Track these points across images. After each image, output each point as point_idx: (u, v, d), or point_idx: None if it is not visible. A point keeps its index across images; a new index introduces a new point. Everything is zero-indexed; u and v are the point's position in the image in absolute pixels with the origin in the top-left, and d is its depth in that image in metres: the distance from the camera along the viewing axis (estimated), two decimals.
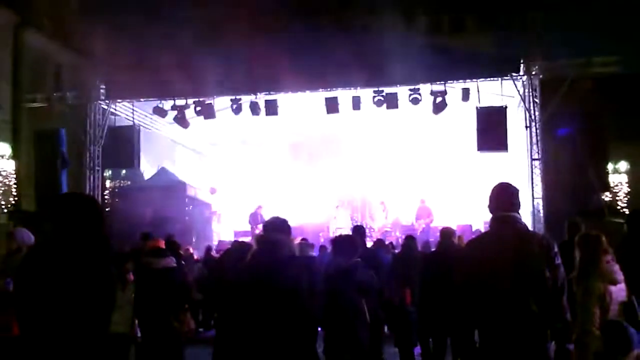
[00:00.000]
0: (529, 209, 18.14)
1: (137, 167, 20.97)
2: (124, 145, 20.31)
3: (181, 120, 20.76)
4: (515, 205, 5.35)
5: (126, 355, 8.81)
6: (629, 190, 23.07)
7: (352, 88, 19.34)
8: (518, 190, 5.57)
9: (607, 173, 18.54)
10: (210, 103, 20.18)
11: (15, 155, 17.17)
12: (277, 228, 6.20)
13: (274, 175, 27.75)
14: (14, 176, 17.65)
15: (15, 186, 17.76)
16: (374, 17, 19.78)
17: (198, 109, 20.20)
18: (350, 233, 10.75)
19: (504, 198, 5.37)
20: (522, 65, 18.51)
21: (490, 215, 5.51)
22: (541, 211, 17.83)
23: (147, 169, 22.18)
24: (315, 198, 27.09)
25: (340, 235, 7.29)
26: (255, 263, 6.25)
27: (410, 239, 11.74)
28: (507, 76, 18.51)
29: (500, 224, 5.29)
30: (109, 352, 4.32)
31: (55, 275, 3.95)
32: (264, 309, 5.80)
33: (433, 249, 10.93)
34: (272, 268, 5.85)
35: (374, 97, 19.25)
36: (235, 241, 12.63)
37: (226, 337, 10.92)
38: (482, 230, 18.97)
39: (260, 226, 22.44)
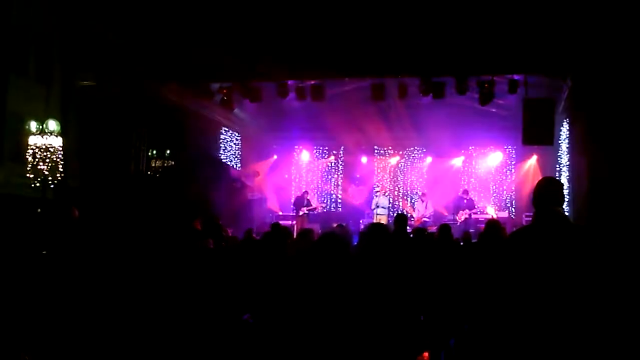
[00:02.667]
0: (573, 206, 18.01)
1: (182, 148, 21.14)
2: (171, 126, 20.50)
3: (227, 103, 20.90)
4: (560, 200, 5.33)
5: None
6: None
7: (398, 75, 19.26)
8: (562, 185, 5.57)
9: None
10: (257, 86, 20.27)
11: (63, 132, 17.37)
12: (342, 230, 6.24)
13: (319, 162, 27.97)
14: (61, 153, 17.84)
15: (62, 162, 17.97)
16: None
17: (244, 91, 20.33)
18: (391, 221, 10.76)
19: (550, 192, 5.35)
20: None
21: (533, 210, 5.49)
22: (584, 209, 17.65)
23: (193, 150, 22.29)
24: (360, 184, 27.29)
25: (373, 224, 7.23)
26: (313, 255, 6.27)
27: (444, 229, 11.63)
28: (555, 71, 18.24)
29: (546, 220, 5.27)
30: None
31: None
32: (306, 300, 5.86)
33: (474, 240, 10.88)
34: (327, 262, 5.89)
35: (421, 85, 19.20)
36: (273, 224, 12.68)
37: (265, 323, 11.09)
38: (523, 223, 18.88)
39: (305, 209, 22.70)
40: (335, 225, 6.49)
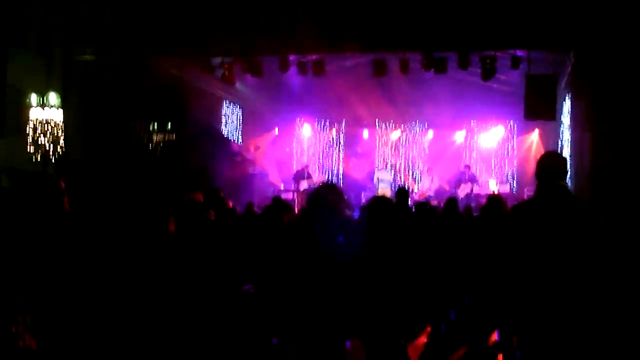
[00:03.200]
0: (575, 183, 17.97)
1: (183, 122, 21.10)
2: (171, 100, 20.46)
3: (228, 77, 20.85)
4: (563, 174, 5.32)
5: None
6: None
7: (400, 51, 19.19)
8: (566, 159, 5.56)
9: None
10: (258, 60, 20.21)
11: (64, 106, 17.33)
12: (330, 190, 6.25)
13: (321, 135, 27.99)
14: (62, 126, 17.81)
15: (63, 136, 17.94)
16: None
17: (245, 66, 20.29)
18: (392, 195, 10.75)
19: (552, 166, 5.34)
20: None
21: (536, 183, 5.48)
22: (586, 185, 17.60)
23: (194, 124, 22.24)
24: (362, 158, 27.32)
25: (376, 197, 7.26)
26: (303, 220, 6.34)
27: (451, 202, 11.62)
28: (559, 46, 18.12)
29: (549, 194, 5.26)
30: None
31: None
32: (307, 265, 5.88)
33: (476, 214, 10.87)
34: (318, 227, 5.92)
35: (422, 60, 19.14)
36: (275, 197, 12.66)
37: (265, 293, 11.14)
38: (525, 197, 18.86)
39: (305, 183, 22.69)
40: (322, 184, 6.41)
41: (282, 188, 25.07)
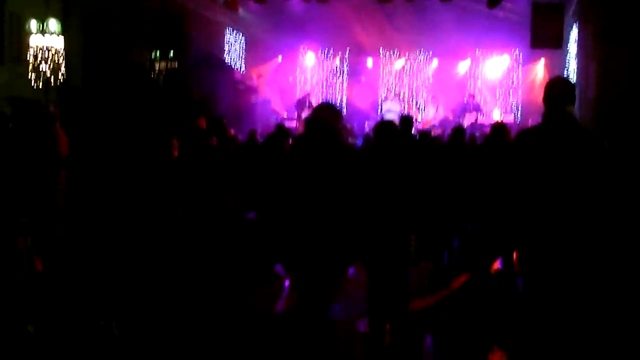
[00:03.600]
0: (581, 111, 17.85)
1: (185, 50, 20.91)
2: (173, 27, 20.21)
3: (231, 3, 20.58)
4: (572, 100, 5.27)
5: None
6: None
7: None
8: (573, 85, 5.51)
9: None
10: None
11: (64, 32, 17.13)
12: (327, 112, 6.20)
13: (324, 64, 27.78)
14: (63, 53, 17.63)
15: (64, 62, 17.77)
16: None
17: None
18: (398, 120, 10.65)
19: (561, 91, 5.28)
20: None
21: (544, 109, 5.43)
22: (591, 113, 17.50)
23: (196, 52, 22.04)
24: (366, 87, 27.17)
25: (382, 121, 7.21)
26: (301, 145, 6.32)
27: (458, 132, 11.49)
28: None
29: (556, 119, 5.21)
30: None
31: None
32: (308, 193, 5.86)
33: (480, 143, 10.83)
34: (317, 151, 5.89)
35: None
36: (278, 125, 12.58)
37: (268, 219, 11.18)
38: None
39: (307, 111, 22.56)
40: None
41: (285, 116, 24.91)
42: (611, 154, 5.71)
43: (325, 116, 6.06)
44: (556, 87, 5.37)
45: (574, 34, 20.16)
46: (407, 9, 21.88)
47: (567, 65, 21.67)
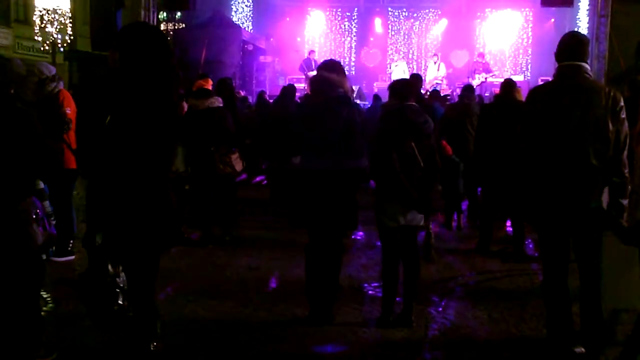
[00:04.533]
0: (593, 67, 17.70)
1: (192, 10, 20.75)
2: None
3: None
4: (584, 55, 5.20)
5: (182, 193, 8.95)
6: None
7: None
8: (588, 40, 5.43)
9: None
10: None
11: None
12: (331, 68, 6.18)
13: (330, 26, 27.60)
14: (70, 15, 17.54)
15: (70, 26, 17.69)
16: None
17: None
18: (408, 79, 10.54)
19: (573, 46, 5.21)
20: None
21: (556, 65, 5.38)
22: (604, 69, 17.38)
23: (203, 12, 21.90)
24: (374, 48, 27.00)
25: (397, 79, 7.17)
26: (309, 101, 6.32)
27: (468, 90, 11.42)
28: None
29: (568, 72, 5.15)
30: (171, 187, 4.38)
31: (130, 100, 3.97)
32: (317, 146, 5.85)
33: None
34: (325, 106, 5.87)
35: None
36: (288, 84, 12.52)
37: (276, 178, 11.19)
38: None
39: (313, 72, 22.40)
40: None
41: (292, 77, 24.80)
42: (630, 101, 5.68)
43: (331, 72, 6.05)
44: (568, 42, 5.31)
45: None
46: None
47: (577, 24, 21.50)
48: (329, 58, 6.45)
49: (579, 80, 5.09)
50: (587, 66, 5.21)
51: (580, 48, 5.23)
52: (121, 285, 4.51)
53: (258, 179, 14.33)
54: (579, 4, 20.85)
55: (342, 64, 6.59)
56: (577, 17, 21.58)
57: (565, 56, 5.23)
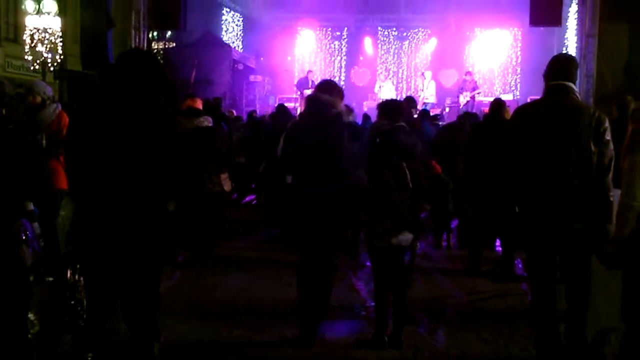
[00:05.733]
0: (581, 87, 17.82)
1: (182, 29, 20.80)
2: (170, 7, 20.02)
3: None
4: (572, 75, 5.26)
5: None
6: None
7: None
8: (576, 61, 5.50)
9: None
10: None
11: (61, 13, 17.01)
12: (325, 88, 6.23)
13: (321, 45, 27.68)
14: (60, 34, 17.52)
15: (61, 44, 17.68)
16: None
17: None
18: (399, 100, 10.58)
19: (561, 66, 5.28)
20: None
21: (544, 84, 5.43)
22: (591, 89, 17.47)
23: (194, 31, 21.98)
24: (362, 68, 27.05)
25: (387, 100, 7.21)
26: (301, 121, 6.36)
27: (467, 117, 11.48)
28: None
29: (554, 92, 5.20)
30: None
31: (120, 122, 3.98)
32: (308, 165, 5.88)
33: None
34: (314, 126, 5.91)
35: None
36: (279, 104, 12.54)
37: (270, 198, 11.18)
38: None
39: (308, 91, 22.46)
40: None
41: (283, 96, 24.86)
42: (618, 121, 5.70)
43: (327, 93, 6.11)
44: (556, 62, 5.38)
45: (573, 10, 20.10)
46: None
47: (565, 43, 21.64)
48: (326, 78, 6.51)
49: (564, 100, 5.14)
50: (574, 86, 5.26)
51: (568, 68, 5.29)
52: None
53: (248, 198, 14.34)
54: (567, 23, 20.98)
55: (338, 84, 6.64)
56: (565, 36, 21.71)
57: (552, 76, 5.29)
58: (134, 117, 4.05)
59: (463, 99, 21.66)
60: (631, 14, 15.35)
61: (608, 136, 5.01)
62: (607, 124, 5.05)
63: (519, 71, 26.56)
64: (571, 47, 20.54)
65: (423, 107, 19.88)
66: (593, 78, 16.44)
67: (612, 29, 15.78)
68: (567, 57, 5.66)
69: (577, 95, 5.30)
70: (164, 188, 4.21)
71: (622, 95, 9.49)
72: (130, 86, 4.10)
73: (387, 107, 6.50)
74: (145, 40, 20.12)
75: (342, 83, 27.50)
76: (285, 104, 13.83)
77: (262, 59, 26.26)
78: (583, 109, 5.19)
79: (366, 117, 14.98)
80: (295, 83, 23.34)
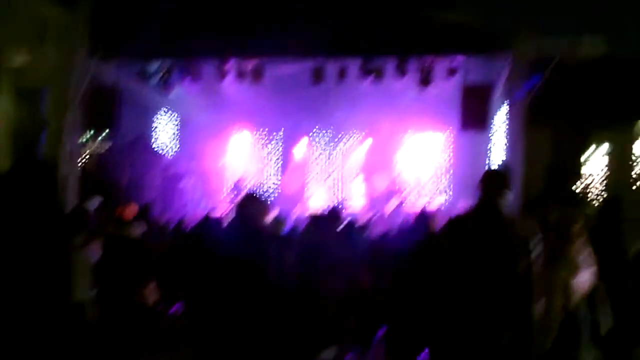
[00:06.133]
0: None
1: (117, 130, 20.68)
2: (104, 108, 19.95)
3: (165, 84, 20.49)
4: (504, 190, 5.36)
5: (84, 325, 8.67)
6: (608, 176, 22.67)
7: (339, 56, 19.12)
8: (508, 175, 5.61)
9: (583, 160, 18.79)
10: (196, 66, 19.94)
11: None
12: (252, 206, 6.26)
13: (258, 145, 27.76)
14: None
15: None
16: None
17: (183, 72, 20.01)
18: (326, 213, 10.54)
19: (492, 183, 5.38)
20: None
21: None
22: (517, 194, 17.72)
23: (128, 133, 21.86)
24: (295, 172, 27.02)
25: (316, 214, 7.27)
26: (226, 237, 6.38)
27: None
28: (496, 53, 18.15)
29: (482, 210, 5.29)
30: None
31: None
32: (234, 283, 5.82)
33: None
34: (243, 242, 5.92)
35: (361, 67, 19.10)
36: (206, 216, 12.49)
37: (196, 311, 10.97)
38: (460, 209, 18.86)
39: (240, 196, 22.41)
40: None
41: (215, 202, 24.75)
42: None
43: (250, 210, 6.12)
44: (489, 178, 5.48)
45: (502, 113, 20.63)
46: (341, 91, 21.95)
47: (491, 143, 22.07)
48: (250, 192, 6.57)
49: (493, 220, 5.19)
50: (505, 201, 5.34)
51: (501, 183, 5.38)
52: None
53: (175, 307, 14.06)
54: (494, 124, 21.43)
55: (261, 193, 6.69)
56: (491, 136, 22.15)
57: (485, 191, 5.37)
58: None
59: (390, 207, 21.66)
60: (554, 120, 15.82)
61: (534, 255, 5.10)
62: (536, 240, 5.13)
63: (451, 172, 26.76)
64: (499, 150, 20.95)
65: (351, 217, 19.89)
66: (521, 181, 16.82)
67: (535, 135, 16.20)
68: (498, 173, 5.78)
69: (506, 212, 5.38)
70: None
71: (544, 201, 9.65)
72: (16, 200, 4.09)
73: (315, 222, 6.53)
74: (77, 142, 19.94)
75: (276, 187, 27.46)
76: (217, 210, 13.77)
77: (194, 162, 26.10)
78: (510, 228, 5.26)
79: (295, 227, 14.87)
80: (226, 190, 23.29)
